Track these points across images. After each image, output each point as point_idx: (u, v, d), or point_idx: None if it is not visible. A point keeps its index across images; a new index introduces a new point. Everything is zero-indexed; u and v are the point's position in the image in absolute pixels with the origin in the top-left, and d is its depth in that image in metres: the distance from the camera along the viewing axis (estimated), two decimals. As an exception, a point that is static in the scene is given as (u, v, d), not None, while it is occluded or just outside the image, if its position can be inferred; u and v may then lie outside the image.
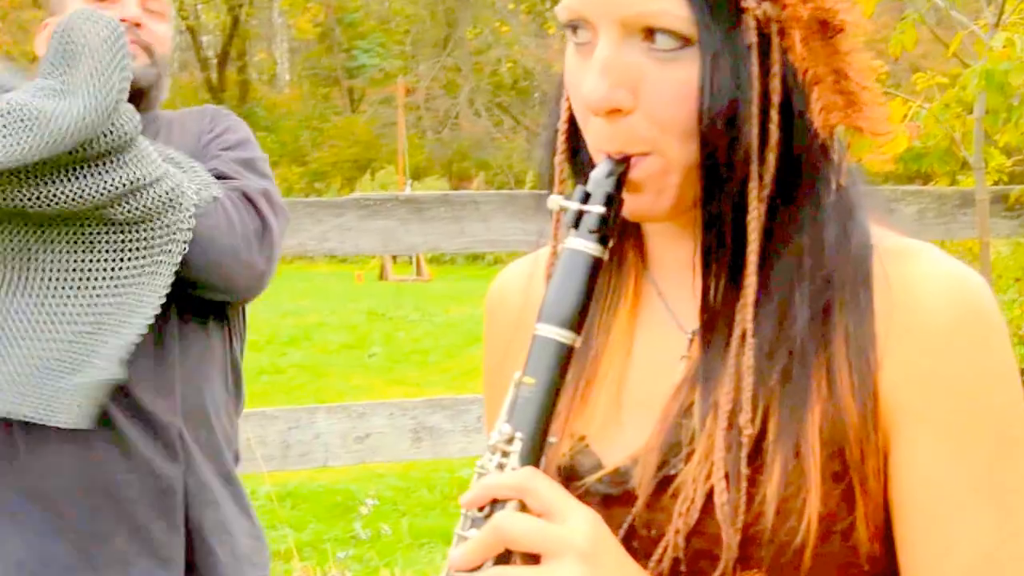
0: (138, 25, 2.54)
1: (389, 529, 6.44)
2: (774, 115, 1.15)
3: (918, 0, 4.43)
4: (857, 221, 1.22)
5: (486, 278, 1.55)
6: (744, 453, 1.15)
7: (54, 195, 2.28)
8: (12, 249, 2.36)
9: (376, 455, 3.93)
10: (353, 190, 27.31)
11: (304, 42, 36.51)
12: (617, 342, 1.27)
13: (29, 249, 2.36)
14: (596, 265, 1.15)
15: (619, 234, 1.28)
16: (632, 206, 1.18)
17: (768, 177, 1.16)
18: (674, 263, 1.27)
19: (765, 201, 1.17)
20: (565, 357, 1.13)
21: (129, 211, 2.34)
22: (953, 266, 1.19)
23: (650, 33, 1.14)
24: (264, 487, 6.57)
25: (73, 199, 2.29)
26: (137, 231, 2.37)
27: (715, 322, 1.21)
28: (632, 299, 1.29)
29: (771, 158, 1.16)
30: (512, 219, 3.91)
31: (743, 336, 1.18)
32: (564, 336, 1.13)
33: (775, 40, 1.15)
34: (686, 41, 1.13)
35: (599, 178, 1.16)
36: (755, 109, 1.14)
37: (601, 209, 1.15)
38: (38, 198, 2.28)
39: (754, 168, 1.16)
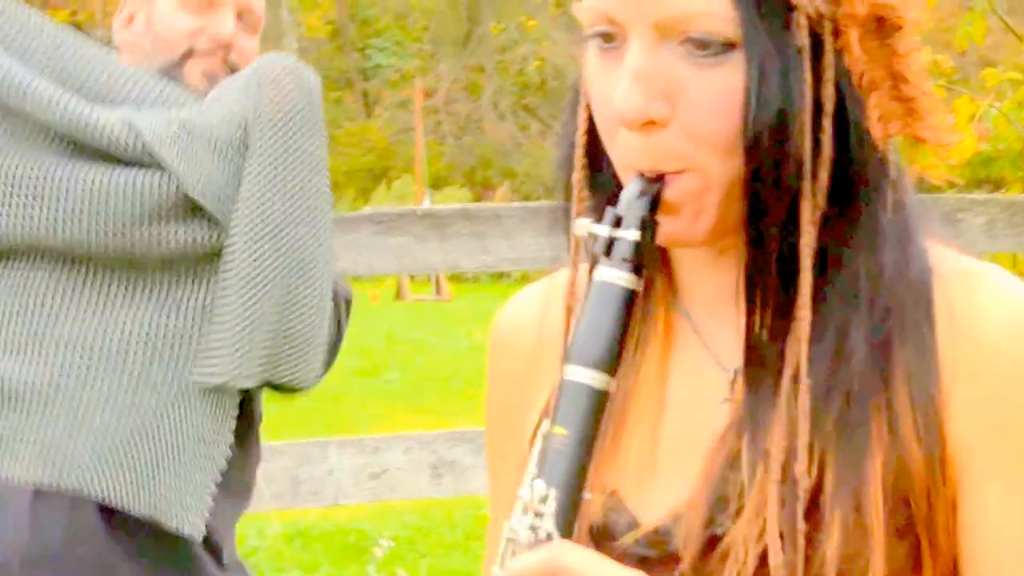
0: (229, 46, 2.55)
1: (406, 572, 6.43)
2: (827, 126, 1.13)
3: (987, -13, 4.42)
4: (916, 242, 1.19)
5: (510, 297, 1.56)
6: (801, 508, 1.12)
7: (170, 235, 2.31)
8: (91, 301, 2.37)
9: (393, 492, 3.93)
10: (368, 201, 27.36)
11: (315, 41, 36.59)
12: (649, 383, 1.24)
13: (112, 303, 2.37)
14: (631, 298, 1.13)
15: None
16: (667, 230, 1.15)
17: (821, 196, 1.14)
18: (710, 293, 1.24)
19: (818, 223, 1.14)
20: (600, 404, 1.11)
21: None
22: (1021, 291, 1.17)
23: (689, 36, 1.12)
24: (272, 527, 6.57)
25: (187, 242, 2.32)
26: None
27: (762, 360, 1.18)
28: (663, 334, 1.25)
29: (823, 174, 1.14)
30: (538, 235, 3.90)
31: (795, 376, 1.15)
32: (598, 380, 1.11)
33: (828, 41, 1.13)
34: (730, 45, 1.11)
35: (630, 199, 1.14)
36: (807, 119, 1.12)
37: (636, 235, 1.13)
38: (153, 237, 2.32)
39: (806, 186, 1.14)
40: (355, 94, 37.40)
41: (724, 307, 1.23)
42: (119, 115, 2.35)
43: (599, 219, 1.17)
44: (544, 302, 1.34)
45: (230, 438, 2.43)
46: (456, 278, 20.01)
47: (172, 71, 2.51)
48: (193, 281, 2.38)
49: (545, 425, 1.12)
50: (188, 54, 2.52)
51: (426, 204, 21.91)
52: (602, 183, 1.23)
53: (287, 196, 2.36)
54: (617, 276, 1.13)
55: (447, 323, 15.77)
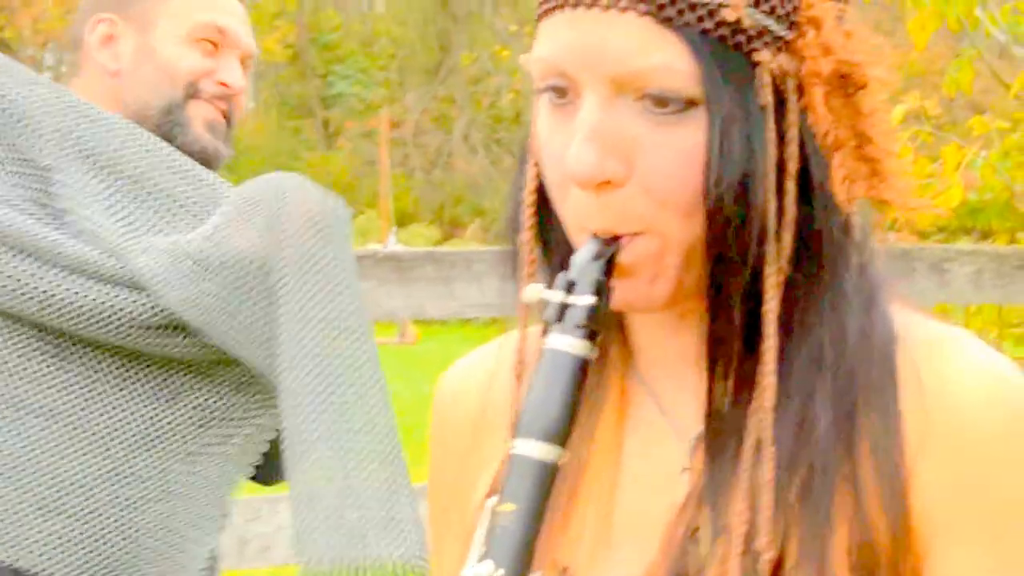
0: (227, 96, 2.51)
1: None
2: (791, 187, 1.13)
3: (976, 33, 4.46)
4: (880, 307, 1.20)
5: (480, 341, 1.54)
6: None
7: (170, 344, 2.29)
8: (80, 372, 2.33)
9: (349, 551, 3.90)
10: (329, 238, 27.23)
11: (272, 65, 36.58)
12: (603, 452, 1.23)
13: (104, 380, 2.33)
14: (584, 367, 1.12)
15: None
16: (622, 294, 1.14)
17: (784, 260, 1.14)
18: (667, 358, 1.24)
19: (781, 287, 1.15)
20: (550, 478, 1.10)
21: (244, 372, 2.34)
22: (993, 363, 1.17)
23: (647, 92, 1.11)
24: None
25: (190, 350, 2.29)
26: (240, 395, 2.37)
27: (723, 428, 1.18)
28: (618, 401, 1.24)
29: (787, 237, 1.14)
30: (509, 280, 3.89)
31: (757, 445, 1.15)
32: (548, 453, 1.10)
33: (791, 99, 1.13)
34: (690, 102, 1.11)
35: (584, 263, 1.13)
36: (771, 180, 1.12)
37: (590, 300, 1.12)
38: (152, 343, 2.29)
39: (770, 249, 1.14)
40: (315, 123, 37.39)
41: (683, 373, 1.23)
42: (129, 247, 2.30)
43: (550, 282, 1.17)
44: (491, 367, 1.33)
45: (213, 545, 2.42)
46: (421, 321, 19.96)
47: (176, 110, 2.45)
48: (194, 377, 2.34)
49: (492, 501, 1.11)
50: (193, 94, 2.46)
51: (392, 242, 21.91)
52: (552, 243, 1.23)
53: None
54: (569, 343, 1.12)
55: (412, 368, 15.68)
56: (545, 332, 1.16)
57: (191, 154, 2.42)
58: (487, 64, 33.79)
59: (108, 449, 2.30)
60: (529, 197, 1.21)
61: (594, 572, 1.21)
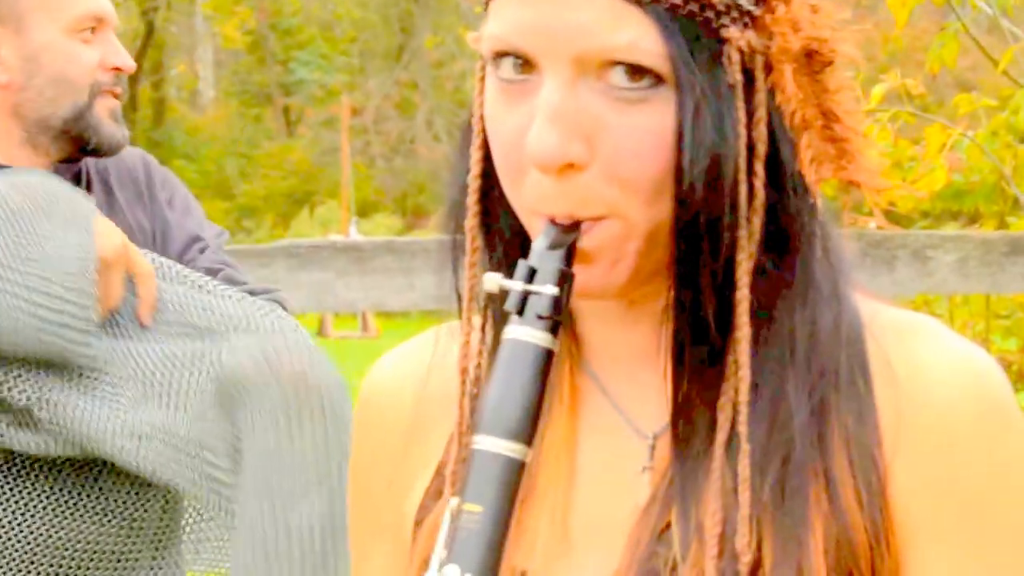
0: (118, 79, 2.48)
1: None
2: (759, 169, 1.12)
3: (962, 8, 4.44)
4: (844, 294, 1.19)
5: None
6: None
7: None
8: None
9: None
10: (288, 228, 27.34)
11: (231, 53, 36.60)
12: (555, 451, 1.21)
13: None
14: (548, 359, 1.10)
15: None
16: (580, 281, 1.13)
17: (754, 245, 1.13)
18: (620, 352, 1.22)
19: (750, 275, 1.13)
20: (517, 476, 1.08)
21: None
22: (963, 348, 1.18)
23: (610, 71, 1.10)
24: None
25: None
26: None
27: (690, 425, 1.16)
28: (569, 397, 1.23)
29: (757, 222, 1.13)
30: (446, 270, 3.87)
31: (727, 442, 1.14)
32: (514, 450, 1.08)
33: (759, 78, 1.12)
34: (657, 80, 1.09)
35: (543, 250, 1.11)
36: (742, 162, 1.11)
37: (554, 290, 1.10)
38: None
39: (742, 235, 1.13)
40: (275, 111, 37.42)
41: (638, 367, 1.22)
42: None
43: (494, 269, 1.17)
44: (425, 361, 1.31)
45: None
46: (383, 314, 20.00)
47: (84, 114, 2.41)
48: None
49: (453, 502, 1.10)
50: (97, 92, 2.43)
51: (353, 232, 21.91)
52: (495, 230, 1.21)
53: None
54: (532, 335, 1.10)
55: (373, 362, 15.75)
56: (492, 322, 1.18)
57: (105, 150, 2.38)
58: (451, 48, 33.80)
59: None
60: (475, 182, 1.20)
61: (553, 575, 1.19)
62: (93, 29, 2.42)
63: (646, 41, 1.08)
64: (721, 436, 1.14)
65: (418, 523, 1.26)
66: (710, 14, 1.10)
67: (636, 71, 1.09)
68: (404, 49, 35.62)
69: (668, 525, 1.15)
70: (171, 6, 35.04)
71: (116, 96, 2.45)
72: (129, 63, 2.46)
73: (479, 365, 1.22)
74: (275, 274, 3.77)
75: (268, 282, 3.83)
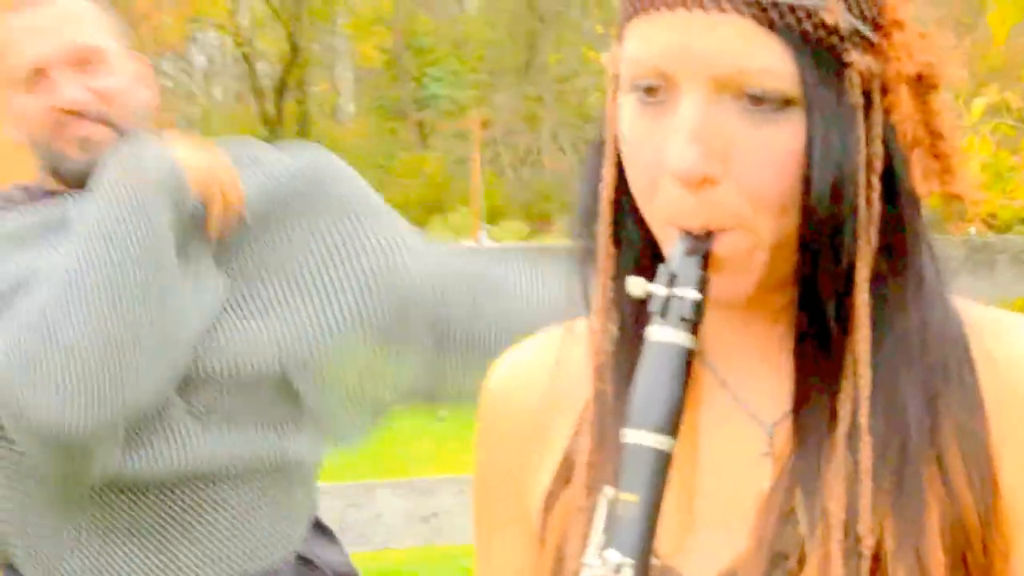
0: (78, 113, 2.37)
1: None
2: (876, 184, 1.15)
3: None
4: (947, 295, 1.22)
5: (567, 333, 1.57)
6: (866, 566, 1.13)
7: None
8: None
9: (442, 536, 3.91)
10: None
11: (369, 70, 36.80)
12: (681, 440, 1.21)
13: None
14: (690, 358, 1.13)
15: None
16: (711, 290, 1.15)
17: (872, 253, 1.16)
18: (739, 348, 1.25)
19: (869, 280, 1.16)
20: (666, 467, 1.11)
21: None
22: None
23: (746, 92, 1.12)
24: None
25: None
26: None
27: (811, 415, 1.18)
28: (691, 388, 1.23)
29: (874, 231, 1.15)
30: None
31: (849, 433, 1.16)
32: (662, 443, 1.11)
33: (876, 99, 1.15)
34: (787, 101, 1.12)
35: (681, 257, 1.14)
36: (862, 178, 1.14)
37: (696, 294, 1.13)
38: None
39: (862, 243, 1.15)
40: (410, 124, 37.53)
41: (755, 361, 1.24)
42: None
43: (621, 275, 1.19)
44: (553, 358, 1.33)
45: None
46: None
47: (48, 155, 2.40)
48: None
49: (609, 492, 1.12)
50: (54, 131, 2.38)
51: (483, 238, 21.93)
52: (625, 237, 1.23)
53: None
54: (675, 335, 1.13)
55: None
56: (638, 324, 1.18)
57: (73, 183, 2.37)
58: (574, 64, 33.73)
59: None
60: (609, 192, 1.22)
61: (684, 555, 1.21)
62: (39, 74, 2.38)
63: (779, 65, 1.11)
64: (842, 427, 1.16)
65: (547, 508, 1.28)
66: (835, 40, 1.12)
67: (769, 92, 1.12)
68: (530, 65, 35.61)
69: (792, 509, 1.17)
70: (313, 27, 35.32)
71: (101, 120, 2.37)
72: (76, 96, 2.37)
73: (607, 363, 1.25)
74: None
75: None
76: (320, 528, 2.68)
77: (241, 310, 2.43)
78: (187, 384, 2.35)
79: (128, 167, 2.28)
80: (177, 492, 2.38)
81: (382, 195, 2.67)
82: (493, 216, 29.74)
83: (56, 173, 2.42)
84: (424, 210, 31.09)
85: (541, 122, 34.81)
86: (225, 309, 2.42)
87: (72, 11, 2.42)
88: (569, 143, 34.43)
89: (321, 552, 2.61)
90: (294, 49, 34.33)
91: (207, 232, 2.40)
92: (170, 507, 2.39)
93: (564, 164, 33.37)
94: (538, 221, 31.18)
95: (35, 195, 2.45)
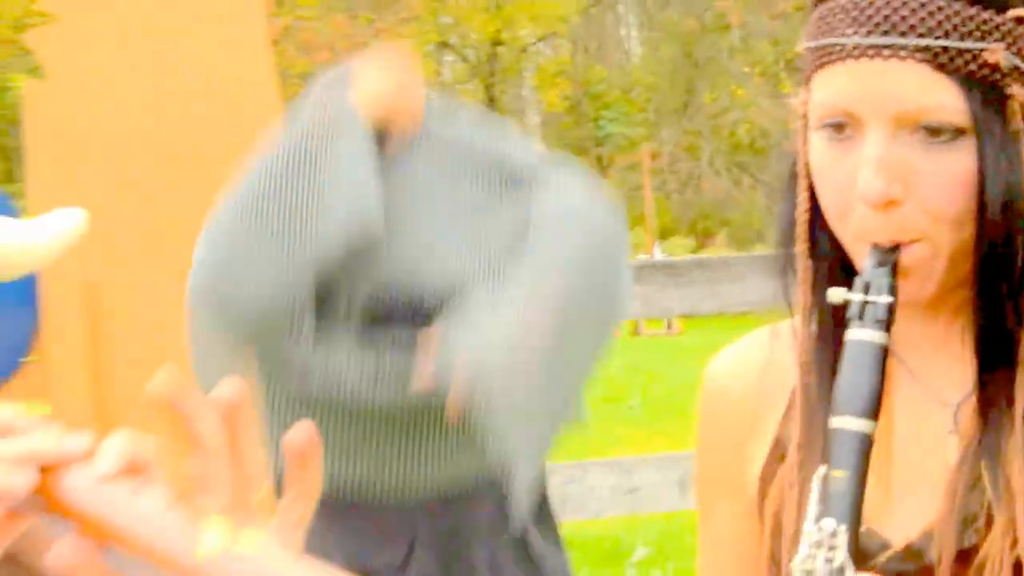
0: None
1: (661, 573, 6.43)
2: None
3: None
4: None
5: (736, 329, 1.57)
6: None
7: None
8: None
9: (644, 505, 3.95)
10: (604, 251, 27.33)
11: (554, 114, 36.90)
12: (878, 423, 1.24)
13: None
14: (885, 353, 1.15)
15: None
16: (900, 292, 1.17)
17: None
18: (923, 341, 1.25)
19: None
20: (869, 446, 1.13)
21: None
22: None
23: (922, 125, 1.14)
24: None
25: None
26: None
27: (992, 398, 1.19)
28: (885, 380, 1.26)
29: None
30: (766, 280, 3.88)
31: None
32: (865, 426, 1.13)
33: None
34: (958, 131, 1.13)
35: (873, 267, 1.16)
36: None
37: (889, 299, 1.15)
38: None
39: None
40: (590, 159, 37.54)
41: (937, 350, 1.25)
42: None
43: (814, 283, 1.23)
44: (764, 354, 1.34)
45: None
46: (683, 316, 19.89)
47: None
48: None
49: (822, 469, 1.13)
50: None
51: (657, 252, 21.84)
52: (819, 254, 1.25)
53: None
54: (872, 335, 1.15)
55: (678, 355, 15.65)
56: (826, 324, 1.22)
57: None
58: (726, 101, 33.48)
59: None
60: (804, 215, 1.24)
61: (883, 520, 1.22)
62: None
63: (952, 101, 1.12)
64: (1020, 407, 1.17)
65: (763, 482, 1.29)
66: (997, 76, 1.13)
67: (944, 125, 1.13)
68: (688, 104, 35.38)
69: (978, 478, 1.18)
70: (505, 79, 35.57)
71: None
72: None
73: (810, 360, 1.27)
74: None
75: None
76: (549, 527, 2.56)
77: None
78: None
79: None
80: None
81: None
82: (663, 234, 29.58)
83: None
84: (604, 231, 31.01)
85: (700, 152, 34.58)
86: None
87: None
88: (724, 168, 34.16)
89: (547, 552, 2.51)
90: (490, 100, 34.61)
91: None
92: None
93: (721, 187, 33.11)
94: (702, 236, 30.99)
95: None
